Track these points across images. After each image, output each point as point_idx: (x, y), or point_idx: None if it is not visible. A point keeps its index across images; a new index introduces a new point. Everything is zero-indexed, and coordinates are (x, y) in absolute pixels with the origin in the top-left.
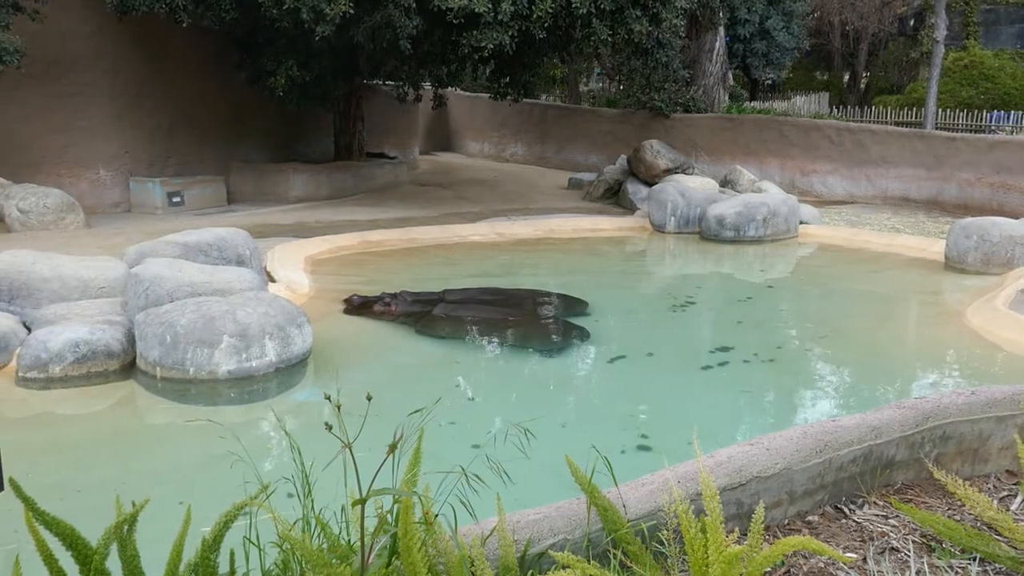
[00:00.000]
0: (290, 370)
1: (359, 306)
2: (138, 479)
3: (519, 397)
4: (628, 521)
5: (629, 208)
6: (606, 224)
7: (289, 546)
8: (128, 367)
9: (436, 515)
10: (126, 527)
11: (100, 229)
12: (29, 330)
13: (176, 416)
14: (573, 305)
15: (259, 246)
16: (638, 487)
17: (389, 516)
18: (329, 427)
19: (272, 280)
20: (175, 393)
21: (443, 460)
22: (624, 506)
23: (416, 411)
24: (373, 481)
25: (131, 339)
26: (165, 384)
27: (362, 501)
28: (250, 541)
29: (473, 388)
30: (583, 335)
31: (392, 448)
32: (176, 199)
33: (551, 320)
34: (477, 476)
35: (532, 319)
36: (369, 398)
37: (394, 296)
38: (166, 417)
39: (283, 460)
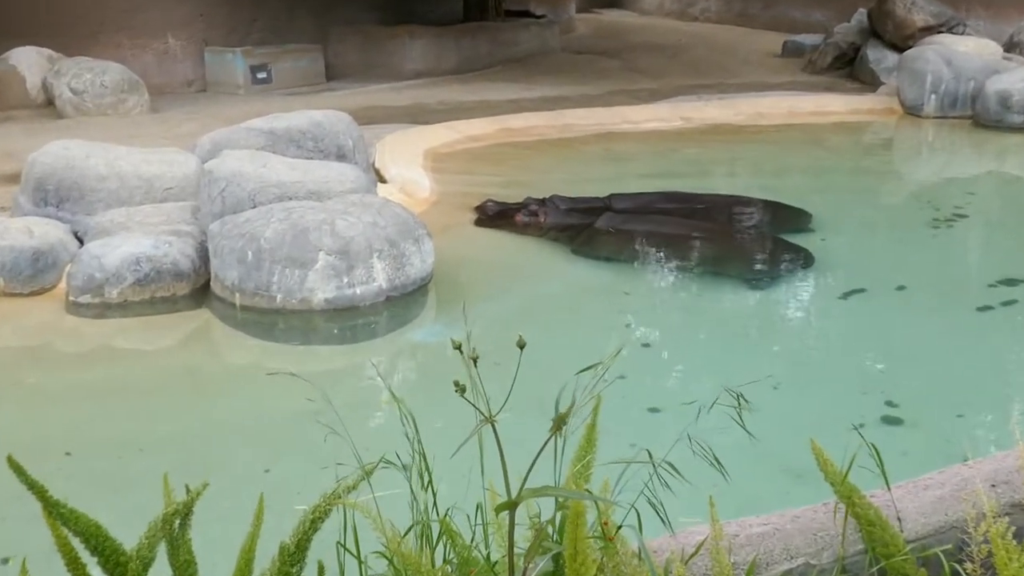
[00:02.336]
0: (405, 300)
1: (496, 215)
2: (208, 438)
3: (714, 345)
4: (906, 542)
5: (869, 82)
6: (837, 105)
7: (400, 563)
8: (201, 291)
9: (618, 527)
10: (178, 521)
11: (168, 113)
12: (81, 242)
13: (259, 356)
14: (790, 218)
15: (365, 135)
16: (918, 491)
17: (550, 527)
18: (461, 389)
19: (382, 180)
20: (258, 326)
21: (614, 436)
22: (899, 519)
23: (586, 368)
24: (527, 476)
25: (204, 255)
26: (246, 314)
27: (510, 505)
28: (345, 549)
29: (650, 331)
30: (804, 259)
31: (558, 425)
32: (261, 75)
33: (759, 238)
34: (671, 466)
35: (732, 236)
36: (522, 346)
37: (542, 202)
38: (246, 357)
39: (392, 431)
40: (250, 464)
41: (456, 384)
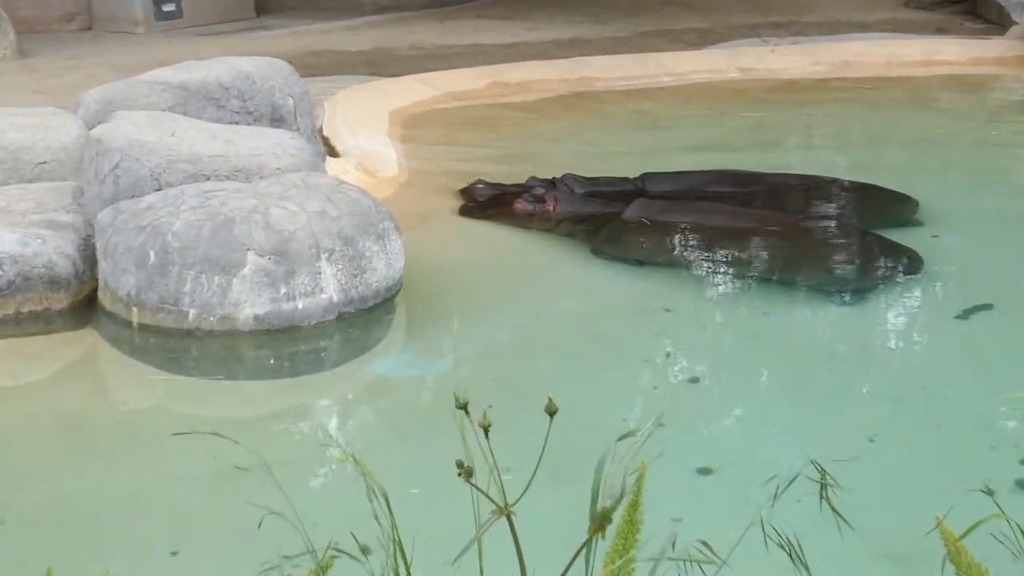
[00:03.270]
0: (364, 318)
1: (488, 202)
2: (97, 509)
3: (785, 382)
4: None
5: (996, 21)
6: (952, 52)
7: None
8: (84, 304)
9: None
10: None
11: (41, 59)
12: None
13: (164, 396)
14: (889, 207)
15: (310, 91)
16: None
17: None
18: (467, 472)
19: (333, 153)
20: (164, 354)
21: (652, 506)
22: None
23: (625, 435)
24: None
25: (90, 256)
26: (147, 337)
27: None
28: None
29: (700, 363)
30: (909, 264)
31: (601, 525)
32: (168, 7)
33: (846, 234)
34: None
35: (809, 232)
36: (552, 412)
37: (551, 184)
38: (147, 398)
39: (349, 502)
40: (151, 545)
41: (460, 466)
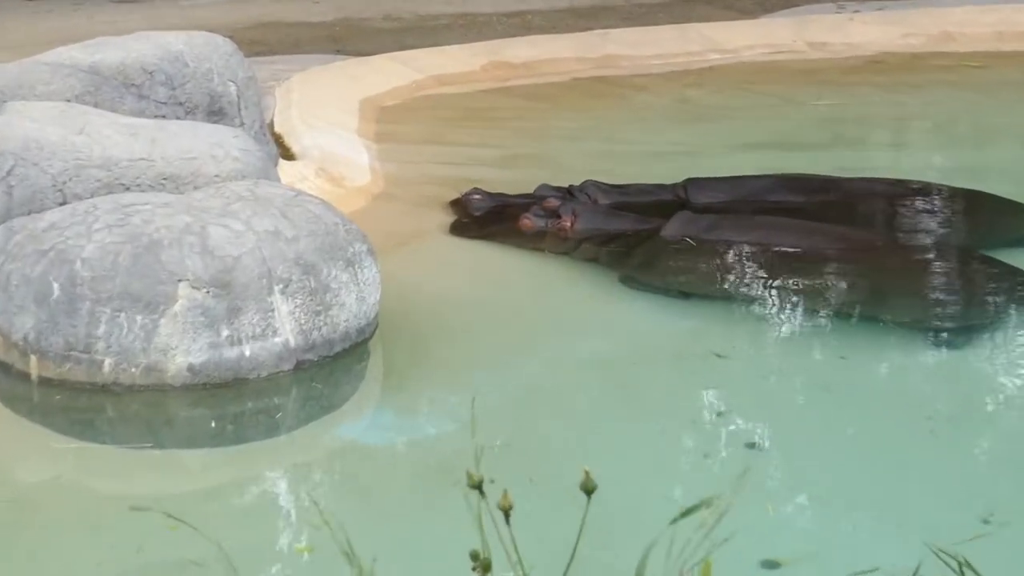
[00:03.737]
0: (329, 368)
1: (487, 217)
2: None
3: (872, 447)
4: None
5: None
6: None
7: None
8: None
9: None
10: None
11: None
12: None
13: (73, 469)
14: (1001, 219)
15: (259, 75)
16: None
17: None
18: (483, 567)
19: (288, 155)
20: (71, 416)
21: None
22: None
23: (680, 516)
24: None
25: None
26: (49, 393)
27: None
28: None
29: (762, 423)
30: None
31: None
32: None
33: (950, 256)
34: None
35: (899, 254)
36: (590, 490)
37: (568, 194)
38: (49, 473)
39: None
40: None
41: (475, 559)
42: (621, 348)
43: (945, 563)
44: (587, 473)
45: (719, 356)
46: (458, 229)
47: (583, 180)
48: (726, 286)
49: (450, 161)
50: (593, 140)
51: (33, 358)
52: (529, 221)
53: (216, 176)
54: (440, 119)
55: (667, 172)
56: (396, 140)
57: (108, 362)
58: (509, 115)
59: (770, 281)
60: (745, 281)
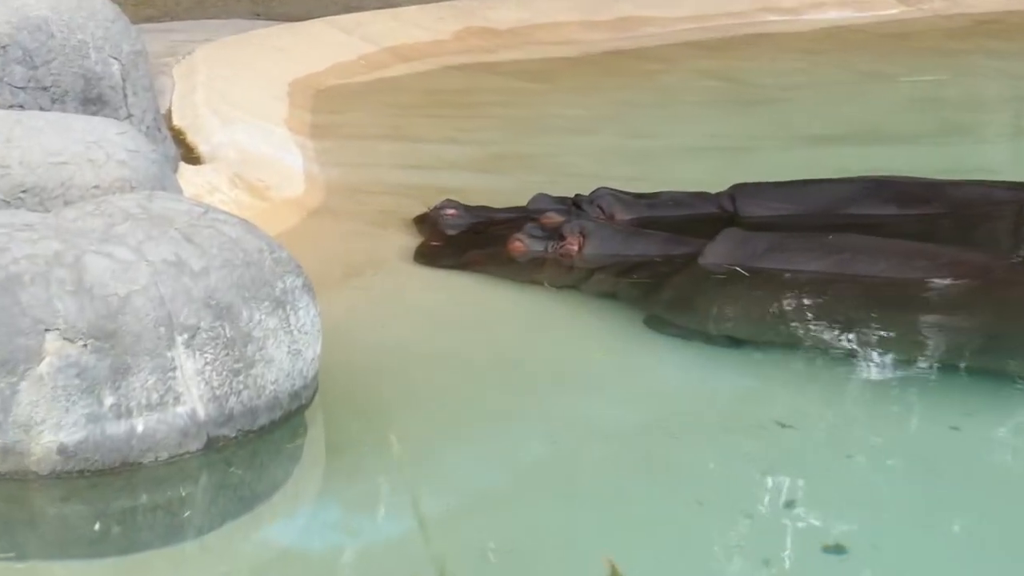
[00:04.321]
0: (253, 447)
1: (465, 239)
2: None
3: (994, 547)
4: None
5: None
6: None
7: None
8: None
9: None
10: None
11: None
12: None
13: None
14: None
15: (150, 50)
16: None
17: None
18: None
19: (191, 158)
20: None
21: None
22: None
23: None
24: None
25: None
26: None
27: None
28: None
29: (842, 516)
30: None
31: None
32: None
33: None
34: None
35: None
36: None
37: (575, 208)
38: None
39: None
40: None
41: None
42: (648, 416)
43: None
44: (611, 566)
45: (782, 425)
46: (426, 256)
47: (594, 188)
48: (790, 330)
49: (413, 163)
50: (606, 133)
51: None
52: (522, 244)
53: (95, 187)
54: (399, 106)
55: (707, 176)
56: (339, 135)
57: None
58: (492, 100)
59: (851, 323)
60: (816, 323)
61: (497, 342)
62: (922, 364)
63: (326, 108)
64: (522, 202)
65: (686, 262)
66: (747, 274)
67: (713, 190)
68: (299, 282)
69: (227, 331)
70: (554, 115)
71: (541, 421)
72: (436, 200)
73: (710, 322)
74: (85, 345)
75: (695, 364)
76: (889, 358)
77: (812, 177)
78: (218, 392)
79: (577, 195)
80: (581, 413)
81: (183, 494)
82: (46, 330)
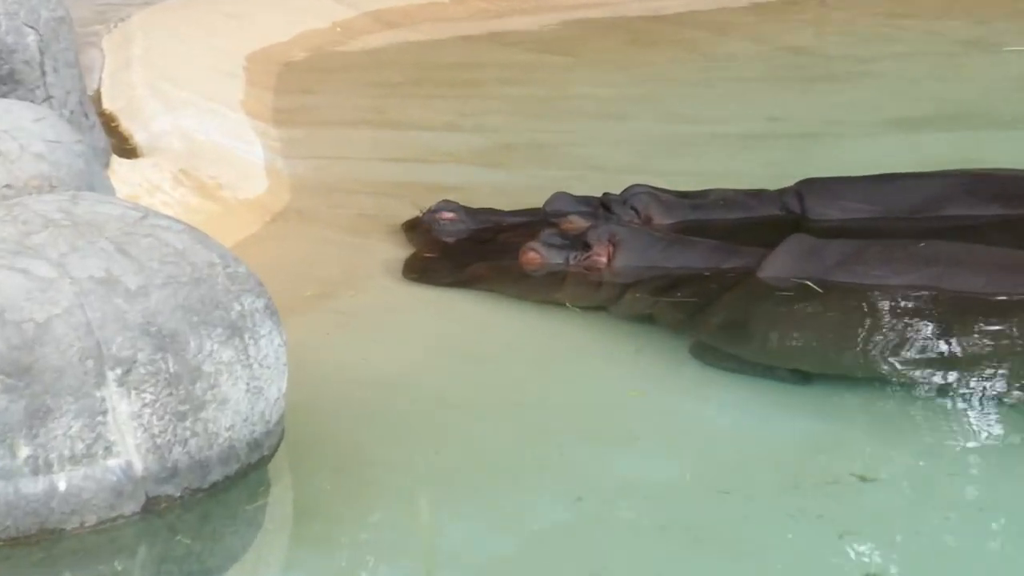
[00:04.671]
0: (202, 508)
1: (465, 248)
2: None
3: None
4: None
5: None
6: None
7: None
8: None
9: None
10: None
11: None
12: None
13: None
14: None
15: (71, 16)
16: None
17: None
18: None
19: (128, 150)
20: None
21: None
22: None
23: None
24: None
25: None
26: None
27: None
28: None
29: None
30: None
31: None
32: None
33: None
34: None
35: None
36: None
37: (601, 209)
38: None
39: None
40: None
41: None
42: (694, 470)
43: None
44: None
45: (863, 479)
46: (418, 270)
47: (627, 186)
48: (872, 361)
49: (401, 155)
50: (641, 117)
51: None
52: (537, 255)
53: (6, 187)
54: (383, 85)
55: (766, 169)
56: (309, 120)
57: None
58: (500, 77)
59: (948, 352)
60: (904, 352)
61: (506, 378)
62: None
63: (293, 87)
64: (537, 203)
65: (741, 276)
66: (819, 290)
67: (774, 187)
68: (260, 304)
69: (170, 365)
70: (576, 95)
71: (561, 477)
72: (430, 201)
73: (772, 351)
74: None
75: (753, 405)
76: (995, 395)
77: (896, 171)
78: (159, 441)
79: (605, 194)
80: (611, 467)
81: (117, 569)
82: None
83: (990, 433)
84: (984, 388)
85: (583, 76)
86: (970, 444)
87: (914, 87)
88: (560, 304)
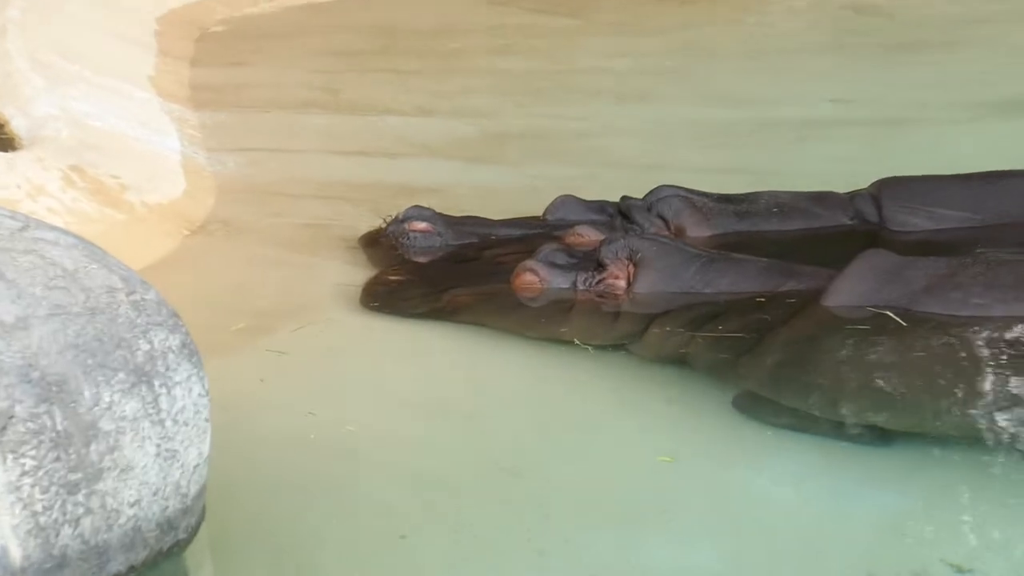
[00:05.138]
0: None
1: (440, 268)
2: None
3: None
4: None
5: None
6: None
7: None
8: None
9: None
10: None
11: None
12: None
13: None
14: None
15: None
16: None
17: None
18: None
19: (2, 140)
20: None
21: None
22: None
23: None
24: None
25: None
26: None
27: None
28: None
29: None
30: None
31: None
32: None
33: None
34: None
35: None
36: None
37: (621, 220)
38: None
39: None
40: None
41: None
42: (743, 557)
43: None
44: None
45: (960, 570)
46: (380, 297)
47: (653, 187)
48: (972, 418)
49: (358, 147)
50: (670, 97)
51: None
52: (536, 277)
53: None
54: (336, 55)
55: (832, 166)
56: (238, 101)
57: None
58: (488, 45)
59: None
60: (1016, 407)
61: (497, 440)
62: None
63: (218, 58)
64: (537, 209)
65: (802, 305)
66: (902, 323)
67: (842, 188)
68: (175, 341)
69: (58, 421)
70: (587, 68)
71: (570, 569)
72: (397, 207)
73: (842, 404)
74: None
75: (817, 474)
76: None
77: (999, 167)
78: (44, 520)
79: (624, 198)
80: (634, 555)
81: None
82: None
83: None
84: None
85: (595, 44)
86: None
87: (1018, 61)
88: (567, 342)
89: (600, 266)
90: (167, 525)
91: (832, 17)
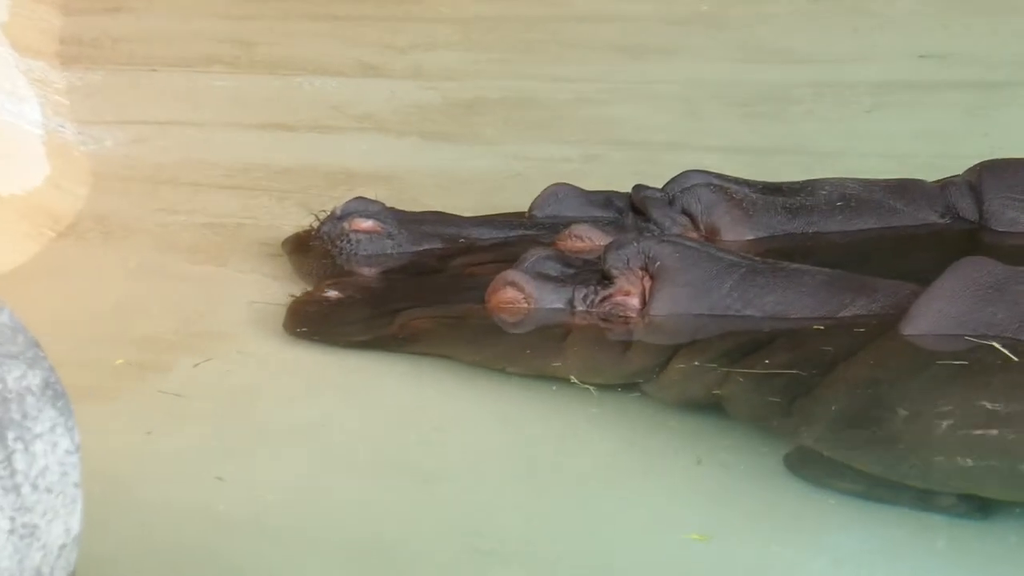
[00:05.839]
0: None
1: (385, 281)
2: None
3: None
4: None
5: None
6: None
7: None
8: None
9: None
10: None
11: None
12: None
13: None
14: None
15: None
16: None
17: None
18: None
19: None
20: None
21: None
22: None
23: None
24: None
25: None
26: None
27: None
28: None
29: None
30: None
31: None
32: None
33: None
34: None
35: None
36: None
37: (632, 215)
38: None
39: None
40: None
41: None
42: None
43: None
44: None
45: None
46: (310, 320)
47: (678, 173)
48: None
49: (280, 120)
50: (700, 55)
51: None
52: (520, 292)
53: None
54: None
55: (916, 143)
56: (120, 59)
57: None
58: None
59: None
60: None
61: (469, 509)
62: None
63: (92, 3)
64: (519, 202)
65: (875, 332)
66: (1013, 357)
67: (931, 175)
68: (35, 380)
69: None
70: (587, 16)
71: None
72: (334, 200)
73: (931, 465)
74: None
75: (895, 558)
76: None
77: None
78: None
79: (638, 188)
80: None
81: None
82: None
83: None
84: None
85: None
86: None
87: None
88: (561, 379)
89: (605, 279)
90: None
91: None
